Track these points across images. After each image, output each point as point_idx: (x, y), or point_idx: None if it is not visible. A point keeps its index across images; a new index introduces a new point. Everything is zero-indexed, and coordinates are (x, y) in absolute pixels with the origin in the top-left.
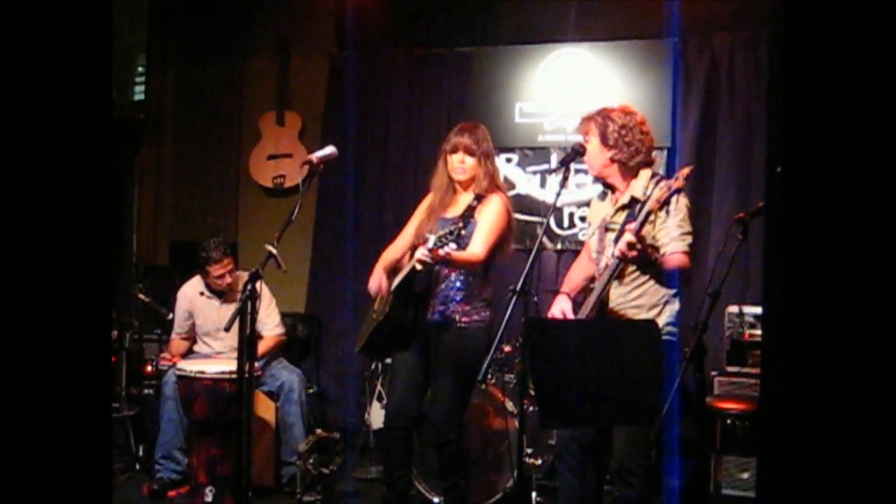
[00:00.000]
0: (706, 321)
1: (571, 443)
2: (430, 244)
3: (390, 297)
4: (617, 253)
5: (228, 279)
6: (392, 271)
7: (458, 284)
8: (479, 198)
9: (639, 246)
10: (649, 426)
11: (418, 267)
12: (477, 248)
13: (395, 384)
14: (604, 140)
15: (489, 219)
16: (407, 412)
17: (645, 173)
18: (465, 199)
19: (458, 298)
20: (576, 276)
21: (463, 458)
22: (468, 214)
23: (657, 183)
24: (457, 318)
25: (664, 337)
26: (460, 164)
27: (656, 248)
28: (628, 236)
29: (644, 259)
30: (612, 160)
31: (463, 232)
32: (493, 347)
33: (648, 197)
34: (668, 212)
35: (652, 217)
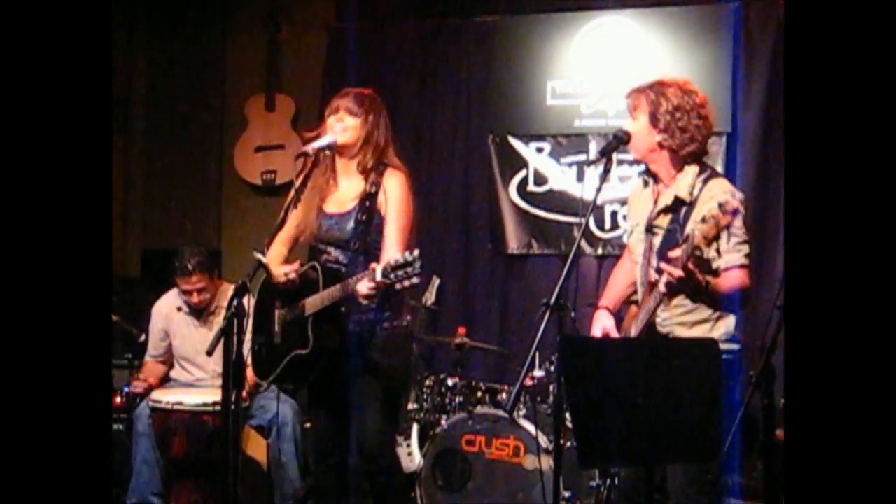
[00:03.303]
0: (775, 339)
1: (637, 482)
2: (379, 276)
3: (309, 327)
4: (662, 289)
5: (196, 298)
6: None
7: None
8: (370, 180)
9: (685, 278)
10: (710, 464)
11: (364, 302)
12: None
13: (320, 420)
14: (653, 121)
15: (395, 212)
16: (336, 449)
17: (691, 169)
18: (350, 185)
19: (373, 307)
20: (617, 287)
21: (403, 487)
22: (370, 207)
23: (705, 181)
24: (376, 327)
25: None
26: (339, 124)
27: (707, 262)
28: (675, 271)
29: (694, 289)
30: (662, 146)
31: (371, 232)
32: (523, 373)
33: (697, 209)
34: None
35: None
